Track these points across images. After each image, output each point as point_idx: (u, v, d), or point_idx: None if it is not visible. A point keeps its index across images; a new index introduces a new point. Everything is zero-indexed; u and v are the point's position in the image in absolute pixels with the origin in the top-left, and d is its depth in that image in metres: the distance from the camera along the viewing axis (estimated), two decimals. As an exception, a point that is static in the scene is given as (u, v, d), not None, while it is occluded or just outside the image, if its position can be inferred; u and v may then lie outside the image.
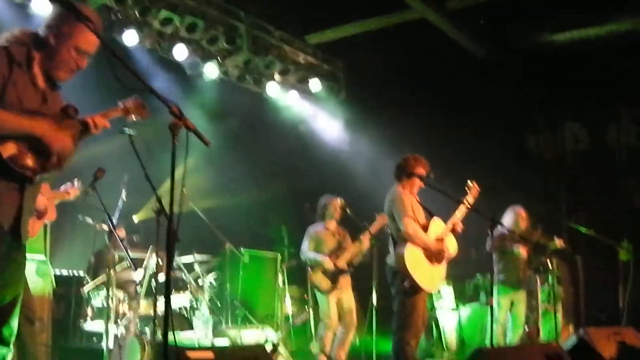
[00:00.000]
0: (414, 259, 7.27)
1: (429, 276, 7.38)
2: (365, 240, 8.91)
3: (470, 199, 7.69)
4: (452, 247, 7.57)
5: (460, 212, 7.57)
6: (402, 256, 7.24)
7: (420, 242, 7.32)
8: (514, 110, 12.97)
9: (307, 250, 9.14)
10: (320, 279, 8.94)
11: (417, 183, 7.52)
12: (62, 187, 6.78)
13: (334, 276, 8.92)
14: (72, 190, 6.76)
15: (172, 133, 3.57)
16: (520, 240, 9.29)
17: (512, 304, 9.37)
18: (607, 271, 10.67)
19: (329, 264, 8.89)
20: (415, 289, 7.23)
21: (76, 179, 6.78)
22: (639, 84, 11.54)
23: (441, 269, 7.55)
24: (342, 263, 8.95)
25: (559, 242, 9.44)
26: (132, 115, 4.34)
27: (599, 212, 11.51)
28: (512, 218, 9.56)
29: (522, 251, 9.26)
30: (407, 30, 11.36)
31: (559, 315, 9.69)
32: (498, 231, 8.96)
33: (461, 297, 11.12)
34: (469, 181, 7.82)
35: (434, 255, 7.40)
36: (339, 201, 9.22)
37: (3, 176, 3.57)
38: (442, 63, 12.05)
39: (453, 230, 7.56)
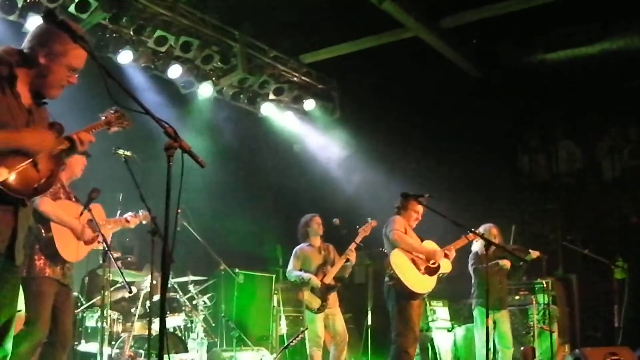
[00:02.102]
0: (401, 262, 7.78)
1: (419, 279, 7.82)
2: (352, 254, 8.87)
3: (470, 236, 8.25)
4: (445, 265, 8.03)
5: (458, 244, 8.19)
6: (389, 259, 7.80)
7: (406, 246, 7.84)
8: (507, 129, 13.01)
9: (292, 269, 9.10)
10: (310, 298, 8.85)
11: (413, 217, 8.08)
12: (125, 215, 6.78)
13: (322, 294, 8.83)
14: (133, 219, 6.70)
15: (167, 154, 3.53)
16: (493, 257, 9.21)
17: (494, 323, 9.32)
18: (602, 290, 10.67)
19: (315, 281, 8.81)
20: (405, 291, 7.64)
21: (142, 210, 6.70)
22: (631, 103, 11.58)
23: (431, 279, 7.98)
24: (329, 279, 8.88)
25: (534, 253, 9.36)
26: (115, 127, 4.37)
27: (593, 231, 11.51)
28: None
29: (506, 263, 9.20)
30: (401, 49, 11.39)
31: (555, 335, 9.66)
32: (472, 252, 9.13)
33: (457, 318, 11.09)
34: (469, 231, 7.98)
35: (423, 263, 7.89)
36: (318, 218, 9.24)
37: None
38: (435, 81, 12.07)
39: (446, 255, 8.08)
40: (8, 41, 8.55)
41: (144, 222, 6.80)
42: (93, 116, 4.48)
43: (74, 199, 6.16)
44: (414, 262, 7.84)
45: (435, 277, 7.96)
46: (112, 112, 4.33)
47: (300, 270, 9.01)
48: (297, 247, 9.24)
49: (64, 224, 5.89)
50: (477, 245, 9.14)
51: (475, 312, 9.20)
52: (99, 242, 6.23)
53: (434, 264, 7.95)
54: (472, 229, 8.08)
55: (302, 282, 8.87)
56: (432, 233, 8.23)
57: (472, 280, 9.26)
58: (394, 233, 7.81)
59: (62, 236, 5.88)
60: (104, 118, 4.32)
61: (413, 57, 11.59)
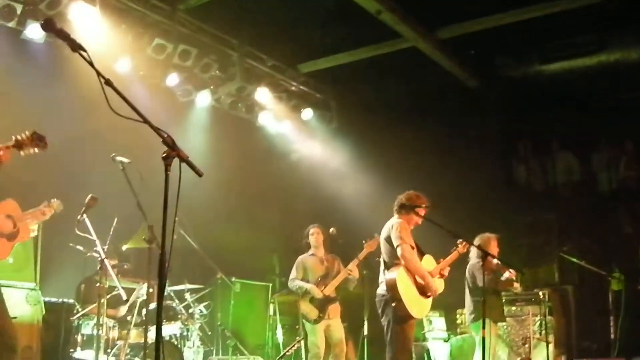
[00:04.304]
0: (405, 284, 7.41)
1: (418, 303, 7.53)
2: (355, 269, 8.87)
3: (461, 249, 8.13)
4: (439, 286, 7.78)
5: (451, 258, 8.01)
6: (394, 280, 7.36)
7: (414, 268, 7.44)
8: (503, 139, 13.04)
9: (293, 279, 9.11)
10: (308, 308, 8.85)
11: (414, 220, 7.69)
12: (39, 207, 6.58)
13: (322, 305, 8.82)
14: (47, 209, 6.55)
15: (165, 163, 3.53)
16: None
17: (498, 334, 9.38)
18: (598, 301, 10.67)
19: (316, 292, 8.81)
20: (405, 315, 7.35)
21: (54, 199, 6.62)
22: (628, 114, 11.61)
23: (428, 302, 7.71)
24: (329, 291, 8.86)
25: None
26: (29, 149, 4.55)
27: (590, 242, 11.51)
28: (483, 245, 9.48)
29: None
30: (398, 59, 11.42)
31: (551, 346, 9.67)
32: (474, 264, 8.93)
33: (453, 328, 11.09)
34: (459, 240, 8.14)
35: (423, 286, 7.54)
36: (316, 228, 9.19)
37: None
38: (432, 92, 12.12)
39: (440, 274, 7.86)
40: (7, 48, 8.63)
41: (57, 211, 6.63)
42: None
43: None
44: (415, 282, 7.52)
45: (431, 298, 7.69)
46: (27, 134, 4.53)
47: (302, 280, 9.02)
48: (299, 257, 9.26)
49: None
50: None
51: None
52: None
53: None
54: (463, 240, 8.07)
55: (303, 291, 8.89)
56: (428, 241, 8.13)
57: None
58: (403, 248, 7.38)
59: None
60: (14, 140, 4.53)
61: (410, 67, 11.61)
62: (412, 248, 7.49)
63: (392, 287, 7.38)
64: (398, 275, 7.39)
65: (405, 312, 7.34)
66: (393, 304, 7.35)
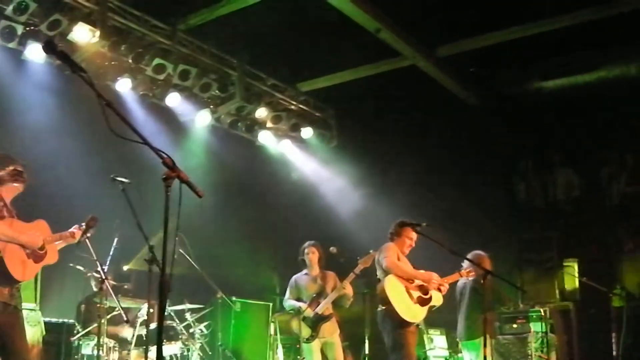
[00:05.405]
0: (394, 288, 7.72)
1: (409, 308, 7.73)
2: (348, 286, 8.79)
3: (464, 274, 8.36)
4: (437, 299, 7.97)
5: (451, 279, 8.20)
6: (383, 286, 7.74)
7: (401, 272, 7.82)
8: (504, 156, 13.04)
9: (287, 298, 9.06)
10: (299, 327, 8.75)
11: (406, 244, 8.08)
12: (70, 229, 6.48)
13: (314, 323, 8.73)
14: (78, 232, 6.45)
15: (165, 184, 3.51)
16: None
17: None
18: (601, 318, 10.63)
19: (306, 311, 8.73)
20: (397, 319, 7.59)
21: (83, 223, 6.54)
22: (628, 130, 11.62)
23: (422, 309, 7.88)
24: (321, 310, 8.76)
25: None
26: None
27: (591, 258, 11.49)
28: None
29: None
30: (398, 78, 11.43)
31: (553, 363, 9.62)
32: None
33: (454, 346, 11.01)
34: (466, 267, 8.37)
35: (416, 292, 7.83)
36: (312, 247, 9.13)
37: None
38: (433, 109, 12.12)
39: (438, 289, 8.04)
40: (7, 68, 8.64)
41: (89, 234, 6.52)
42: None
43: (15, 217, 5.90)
44: (407, 290, 7.77)
45: (426, 308, 7.87)
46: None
47: (298, 299, 8.96)
48: (293, 277, 9.20)
49: (16, 242, 5.62)
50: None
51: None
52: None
53: (426, 294, 7.86)
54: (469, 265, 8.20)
55: (297, 311, 8.82)
56: (429, 261, 8.17)
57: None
58: (387, 260, 7.79)
59: (12, 256, 5.60)
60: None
61: (410, 86, 11.62)
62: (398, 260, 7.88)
63: (381, 291, 7.77)
64: (386, 280, 7.75)
65: (395, 316, 7.59)
66: (384, 308, 7.69)
